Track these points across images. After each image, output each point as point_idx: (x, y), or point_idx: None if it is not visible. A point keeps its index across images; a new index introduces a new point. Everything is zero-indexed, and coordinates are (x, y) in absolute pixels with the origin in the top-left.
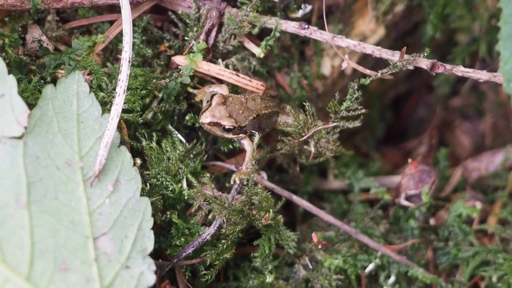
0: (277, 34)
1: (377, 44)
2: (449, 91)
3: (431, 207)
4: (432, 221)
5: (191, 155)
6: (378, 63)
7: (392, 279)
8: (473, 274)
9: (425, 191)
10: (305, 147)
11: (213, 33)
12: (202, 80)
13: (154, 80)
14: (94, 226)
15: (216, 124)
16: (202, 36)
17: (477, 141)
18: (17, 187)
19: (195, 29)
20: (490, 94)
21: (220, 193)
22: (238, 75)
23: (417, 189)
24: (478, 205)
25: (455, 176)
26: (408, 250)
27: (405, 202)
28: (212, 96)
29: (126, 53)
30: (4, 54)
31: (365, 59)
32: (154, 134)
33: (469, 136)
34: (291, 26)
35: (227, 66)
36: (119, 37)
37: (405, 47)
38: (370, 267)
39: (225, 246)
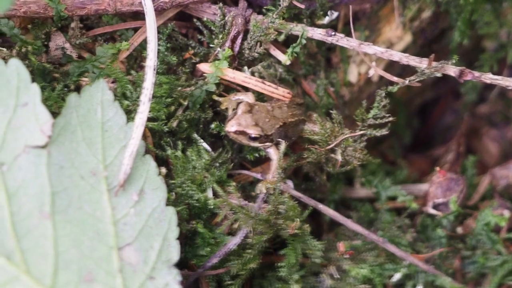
0: (303, 41)
1: (404, 51)
2: (477, 98)
3: (459, 215)
4: (459, 230)
5: (217, 164)
6: (404, 70)
7: None
8: (501, 283)
9: (453, 200)
10: (332, 155)
11: (239, 40)
12: (227, 87)
13: (179, 88)
14: (119, 237)
15: (242, 133)
16: (228, 43)
17: (505, 148)
18: (41, 197)
19: (220, 36)
20: None
21: (246, 202)
22: (264, 83)
23: (445, 197)
24: (506, 213)
25: (483, 184)
26: (436, 259)
27: (432, 211)
28: (238, 104)
29: (151, 60)
30: (27, 61)
31: (391, 66)
32: (179, 142)
33: (496, 144)
34: (317, 33)
35: (252, 74)
36: (143, 44)
37: (433, 54)
38: (397, 276)
39: (251, 256)
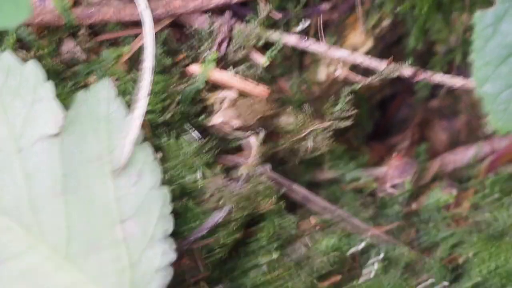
0: (280, 46)
1: (366, 54)
2: (429, 94)
3: (413, 193)
4: (414, 206)
5: (204, 150)
6: (367, 71)
7: (382, 255)
8: (451, 252)
9: (407, 180)
10: (304, 143)
11: (224, 45)
12: (214, 85)
13: (173, 86)
14: (121, 211)
15: (227, 124)
16: (215, 48)
17: (453, 137)
18: (54, 178)
19: (208, 41)
20: (464, 97)
21: (230, 182)
22: (246, 81)
23: (401, 178)
24: (454, 192)
25: (433, 167)
26: (394, 231)
27: (390, 190)
28: (223, 100)
29: (149, 62)
30: (43, 62)
31: (356, 67)
32: (172, 131)
33: (446, 133)
34: (292, 39)
35: (236, 73)
36: (143, 48)
37: (391, 57)
38: (362, 245)
39: (235, 228)
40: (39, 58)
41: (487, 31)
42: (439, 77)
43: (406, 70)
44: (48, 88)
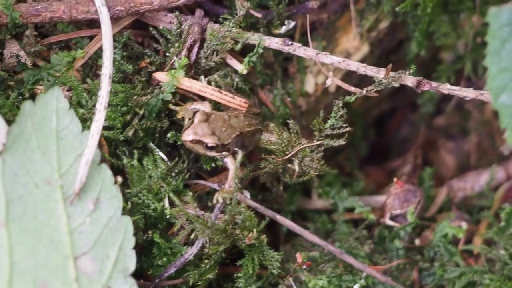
0: (260, 51)
1: (361, 61)
2: (434, 110)
3: (416, 227)
4: (417, 242)
5: (173, 173)
6: (362, 80)
7: None
8: None
9: (410, 211)
10: (289, 165)
11: (195, 49)
12: (184, 97)
13: (135, 97)
14: (74, 246)
15: (199, 142)
16: (184, 52)
17: (462, 160)
18: None
19: (176, 45)
20: (475, 113)
21: (202, 212)
22: (221, 92)
23: (403, 209)
24: (464, 225)
25: (440, 196)
26: (393, 270)
27: (390, 222)
28: (194, 113)
29: (107, 69)
30: None
31: (349, 76)
32: (135, 151)
33: (453, 156)
34: (274, 43)
35: (209, 83)
36: (99, 53)
37: (390, 64)
38: (356, 287)
39: (208, 266)
40: None
41: (504, 31)
42: (447, 89)
43: (408, 79)
44: None
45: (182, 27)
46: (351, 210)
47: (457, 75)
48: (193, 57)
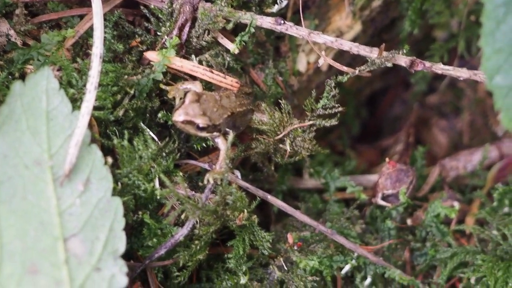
0: (252, 30)
1: (354, 40)
2: (426, 88)
3: (408, 207)
4: (409, 222)
5: (164, 154)
6: (354, 60)
7: (369, 280)
8: (451, 276)
9: (402, 191)
10: (281, 145)
11: (187, 28)
12: (175, 76)
13: (126, 77)
14: (64, 227)
15: (190, 122)
16: (175, 31)
17: (454, 139)
18: None
19: (167, 24)
20: (468, 92)
21: (193, 192)
22: (212, 72)
23: (395, 188)
24: (456, 205)
25: (432, 176)
26: (385, 251)
27: (382, 202)
28: (185, 93)
29: (97, 48)
30: None
31: (341, 55)
32: (125, 131)
33: (446, 134)
34: (266, 22)
35: (200, 62)
36: (89, 32)
37: (384, 44)
38: (346, 268)
39: (198, 247)
40: None
41: (499, 11)
42: (440, 68)
43: (401, 59)
44: None
45: (174, 5)
46: (342, 189)
47: (450, 53)
48: (184, 37)
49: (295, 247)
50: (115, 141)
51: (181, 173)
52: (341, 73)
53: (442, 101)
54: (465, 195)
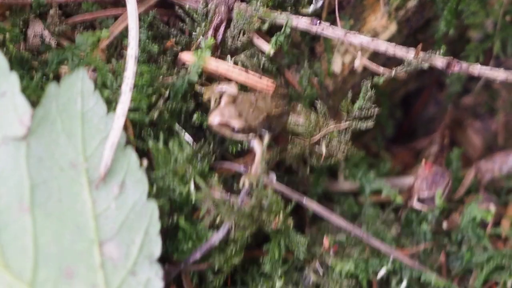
0: (288, 30)
1: (389, 40)
2: (461, 89)
3: (444, 210)
4: (445, 225)
5: (199, 156)
6: (389, 60)
7: (404, 284)
8: (487, 279)
9: (438, 194)
10: (316, 148)
11: (222, 29)
12: (210, 77)
13: (161, 78)
14: (100, 231)
15: (225, 125)
16: (210, 32)
17: (489, 140)
18: (20, 190)
19: (203, 24)
20: (503, 93)
21: (228, 195)
22: (248, 73)
23: (430, 191)
24: (492, 207)
25: (468, 178)
26: (421, 254)
27: (418, 205)
28: (220, 95)
29: (132, 49)
30: (5, 49)
31: (376, 56)
32: (160, 133)
33: (480, 136)
34: (302, 22)
35: (236, 63)
36: (124, 33)
37: (420, 44)
38: (382, 272)
39: (233, 251)
40: (1, 44)
41: None
42: (477, 69)
43: (438, 60)
44: (12, 81)
45: (209, 6)
46: (378, 192)
47: (486, 54)
48: (219, 37)
49: (331, 251)
50: (150, 143)
51: (216, 176)
52: (377, 74)
53: (476, 102)
54: (501, 198)
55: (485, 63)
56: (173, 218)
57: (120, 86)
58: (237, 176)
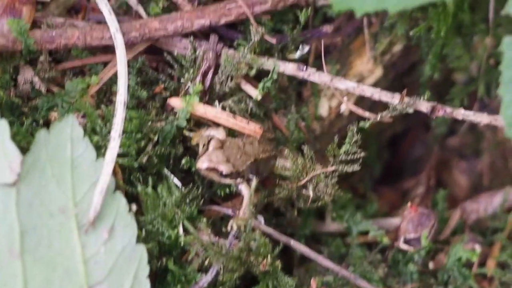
0: (275, 76)
1: (375, 84)
2: (447, 131)
3: (430, 250)
4: (431, 265)
5: (187, 200)
6: (375, 103)
7: None
8: None
9: (424, 235)
10: (304, 191)
11: (210, 75)
12: (198, 122)
13: (150, 123)
14: (89, 275)
15: (214, 169)
16: (199, 78)
17: (475, 181)
18: (10, 236)
19: (191, 70)
20: (488, 134)
21: (217, 238)
22: (235, 118)
23: (417, 232)
24: (477, 248)
25: (453, 218)
26: None
27: (404, 246)
28: (209, 140)
29: (121, 96)
30: None
31: (362, 100)
32: (149, 178)
33: (466, 176)
34: (289, 68)
35: (223, 109)
36: (113, 79)
37: (405, 90)
38: None
39: None
40: None
41: None
42: (461, 114)
43: (423, 105)
44: (2, 127)
45: (197, 52)
46: (365, 233)
47: (470, 96)
48: (207, 83)
49: None
50: (139, 188)
51: (204, 219)
52: (363, 117)
53: (462, 143)
54: (486, 238)
55: (470, 105)
56: (162, 261)
57: (109, 131)
58: (225, 219)
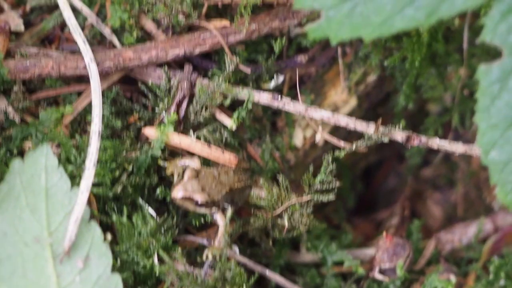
0: (250, 106)
1: (350, 114)
2: (421, 161)
3: (405, 281)
4: None
5: (162, 230)
6: (350, 133)
7: None
8: None
9: (399, 265)
10: (279, 221)
11: (184, 105)
12: (173, 152)
13: (124, 153)
14: None
15: (189, 199)
16: (173, 108)
17: (449, 211)
18: None
19: (165, 100)
20: (461, 164)
21: (192, 268)
22: (210, 148)
23: (392, 262)
24: (452, 278)
25: (428, 249)
26: None
27: (379, 276)
28: (183, 170)
29: (96, 125)
30: None
31: (337, 130)
32: (124, 208)
33: (440, 207)
34: (263, 98)
35: (198, 138)
36: (87, 108)
37: (380, 119)
38: None
39: None
40: None
41: (493, 88)
42: (436, 143)
43: (398, 134)
44: None
45: (171, 82)
46: (340, 263)
47: (445, 127)
48: (182, 113)
49: None
50: (114, 217)
51: (179, 249)
52: (338, 147)
53: (436, 174)
54: (461, 268)
55: (444, 135)
56: None
57: (84, 161)
58: (200, 248)
